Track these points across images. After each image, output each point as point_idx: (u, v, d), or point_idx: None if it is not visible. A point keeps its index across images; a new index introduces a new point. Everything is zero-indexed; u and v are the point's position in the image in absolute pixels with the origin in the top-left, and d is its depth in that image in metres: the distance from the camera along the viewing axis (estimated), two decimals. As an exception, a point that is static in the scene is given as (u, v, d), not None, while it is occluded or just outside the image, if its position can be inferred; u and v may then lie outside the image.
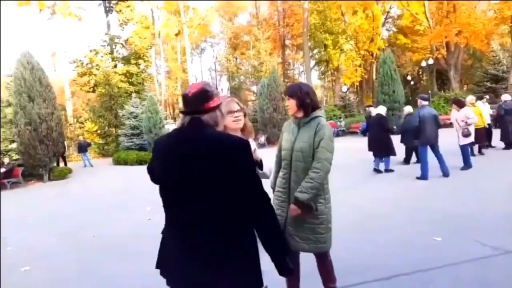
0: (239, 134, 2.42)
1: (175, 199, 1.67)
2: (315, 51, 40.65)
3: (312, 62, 41.33)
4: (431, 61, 28.06)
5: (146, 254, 2.83)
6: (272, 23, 41.74)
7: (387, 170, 8.78)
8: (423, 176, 7.49)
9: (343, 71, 37.02)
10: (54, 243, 5.65)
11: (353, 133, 22.90)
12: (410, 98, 32.44)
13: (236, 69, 39.82)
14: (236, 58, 44.09)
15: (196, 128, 1.69)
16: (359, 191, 7.24)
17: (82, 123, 31.20)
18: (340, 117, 25.82)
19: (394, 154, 8.79)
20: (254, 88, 36.24)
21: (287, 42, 44.56)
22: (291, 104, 2.65)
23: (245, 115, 2.49)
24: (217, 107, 1.75)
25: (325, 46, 36.77)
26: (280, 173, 2.71)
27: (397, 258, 3.69)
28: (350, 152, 12.45)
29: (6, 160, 15.04)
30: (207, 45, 50.84)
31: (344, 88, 32.63)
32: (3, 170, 14.19)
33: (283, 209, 2.62)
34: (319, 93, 53.07)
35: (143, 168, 10.82)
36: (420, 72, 42.96)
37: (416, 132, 7.56)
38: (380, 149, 8.82)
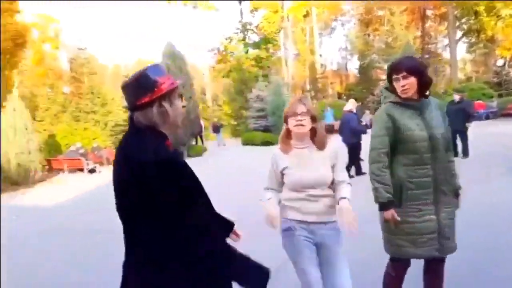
0: (307, 142, 2.13)
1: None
2: (463, 20, 35.07)
3: (459, 33, 35.85)
4: None
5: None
6: (410, -7, 37.59)
7: None
8: None
9: (499, 41, 31.10)
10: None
11: (509, 115, 19.17)
12: None
13: (366, 47, 37.48)
14: (369, 35, 41.45)
15: (128, 130, 1.38)
16: (498, 187, 6.02)
17: (220, 105, 34.35)
18: (491, 97, 21.90)
19: None
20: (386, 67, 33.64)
21: (429, 12, 39.57)
22: (411, 84, 2.15)
23: (314, 120, 2.11)
24: (157, 100, 1.32)
25: (476, 13, 31.36)
26: (415, 172, 2.16)
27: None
28: (497, 138, 10.45)
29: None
30: (338, 24, 49.13)
31: (500, 62, 27.45)
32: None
33: (430, 211, 2.15)
34: (467, 68, 46.16)
35: (268, 149, 11.33)
36: None
37: None
38: None
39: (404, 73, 2.15)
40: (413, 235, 2.14)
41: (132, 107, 1.35)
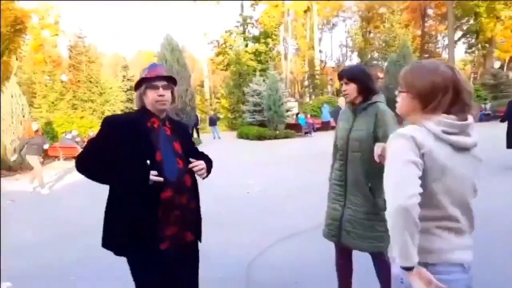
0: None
1: None
2: (463, 20, 35.18)
3: (459, 34, 35.99)
4: None
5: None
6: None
7: None
8: None
9: (498, 43, 31.26)
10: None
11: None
12: None
13: (365, 45, 37.57)
14: (370, 32, 41.52)
15: None
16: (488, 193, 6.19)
17: (218, 98, 34.44)
18: (485, 99, 22.12)
19: None
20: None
21: (430, 11, 39.65)
22: (350, 89, 2.41)
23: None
24: (138, 86, 1.92)
25: (476, 14, 31.49)
26: (336, 165, 2.54)
27: None
28: (487, 141, 10.62)
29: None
30: (339, 20, 49.13)
31: (497, 64, 27.65)
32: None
33: (340, 202, 2.46)
34: (467, 69, 46.28)
35: (263, 143, 11.72)
36: None
37: None
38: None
39: (345, 80, 2.43)
40: (326, 217, 2.56)
41: None
